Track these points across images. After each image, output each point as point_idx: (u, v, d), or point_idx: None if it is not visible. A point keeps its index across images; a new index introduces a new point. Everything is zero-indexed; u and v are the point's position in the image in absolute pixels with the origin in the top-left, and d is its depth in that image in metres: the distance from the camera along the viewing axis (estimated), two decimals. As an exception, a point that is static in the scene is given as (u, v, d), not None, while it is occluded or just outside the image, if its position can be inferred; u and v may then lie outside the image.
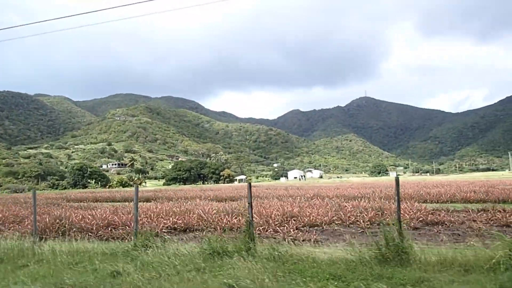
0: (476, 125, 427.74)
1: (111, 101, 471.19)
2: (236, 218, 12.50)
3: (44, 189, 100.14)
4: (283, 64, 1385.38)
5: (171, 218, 13.18)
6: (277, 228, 11.12)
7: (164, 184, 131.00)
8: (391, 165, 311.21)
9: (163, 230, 11.60)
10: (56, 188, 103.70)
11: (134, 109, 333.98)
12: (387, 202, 17.28)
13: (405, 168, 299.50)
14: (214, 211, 14.00)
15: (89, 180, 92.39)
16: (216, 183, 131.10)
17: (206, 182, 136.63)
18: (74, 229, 11.96)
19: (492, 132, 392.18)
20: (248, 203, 8.23)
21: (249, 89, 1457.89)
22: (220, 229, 11.31)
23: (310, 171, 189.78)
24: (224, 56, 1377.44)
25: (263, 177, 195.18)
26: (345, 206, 15.51)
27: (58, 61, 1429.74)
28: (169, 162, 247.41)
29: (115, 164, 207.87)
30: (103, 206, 20.62)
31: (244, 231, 7.46)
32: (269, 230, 10.95)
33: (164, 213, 14.60)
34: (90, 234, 11.57)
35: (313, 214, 13.08)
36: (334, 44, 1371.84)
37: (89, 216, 13.70)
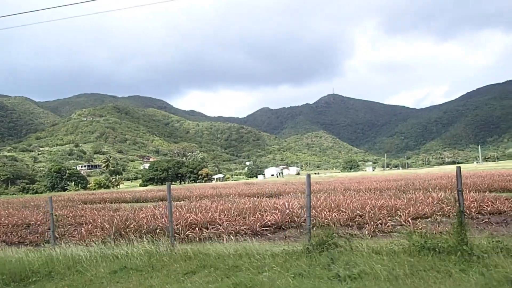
0: (439, 120, 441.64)
1: (76, 101, 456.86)
2: (335, 211, 11.40)
3: (15, 194, 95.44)
4: (250, 63, 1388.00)
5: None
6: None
7: (140, 185, 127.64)
8: (360, 160, 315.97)
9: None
10: (27, 192, 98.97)
11: (102, 109, 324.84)
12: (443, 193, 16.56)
13: (374, 163, 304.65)
14: (298, 206, 12.78)
15: (68, 183, 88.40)
16: (194, 182, 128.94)
17: (183, 182, 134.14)
18: (157, 230, 10.53)
19: (454, 127, 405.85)
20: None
21: (216, 88, 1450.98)
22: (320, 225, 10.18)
23: (287, 168, 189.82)
24: (191, 55, 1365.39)
25: (237, 175, 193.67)
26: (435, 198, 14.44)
27: (16, 60, 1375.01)
28: (141, 163, 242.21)
29: (85, 166, 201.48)
30: (133, 207, 18.97)
31: (454, 224, 6.30)
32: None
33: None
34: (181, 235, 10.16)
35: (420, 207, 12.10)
36: (300, 43, 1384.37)
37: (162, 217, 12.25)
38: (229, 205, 14.57)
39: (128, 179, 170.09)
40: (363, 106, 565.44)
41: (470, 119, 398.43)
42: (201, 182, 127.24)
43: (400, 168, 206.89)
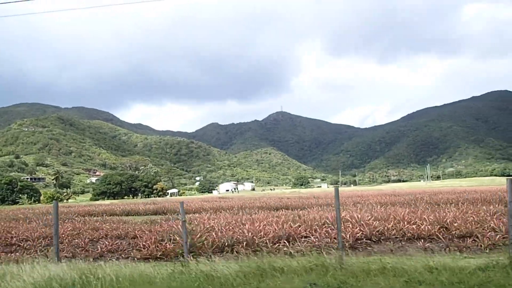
0: (383, 139, 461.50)
1: (14, 111, 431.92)
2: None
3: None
4: (197, 77, 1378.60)
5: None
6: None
7: (91, 199, 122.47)
8: (309, 177, 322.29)
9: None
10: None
11: (44, 119, 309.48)
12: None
13: (323, 180, 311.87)
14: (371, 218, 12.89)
15: (20, 195, 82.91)
16: (148, 197, 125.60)
17: (136, 197, 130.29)
18: (227, 244, 10.31)
19: (396, 146, 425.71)
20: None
21: (162, 102, 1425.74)
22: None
23: (242, 183, 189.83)
24: (136, 66, 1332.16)
25: (189, 190, 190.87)
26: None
27: None
28: (87, 176, 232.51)
29: (28, 179, 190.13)
30: (150, 219, 18.38)
31: None
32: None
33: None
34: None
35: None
36: (247, 59, 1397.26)
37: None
38: (284, 218, 14.28)
39: (74, 193, 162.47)
40: (309, 124, 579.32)
41: (411, 139, 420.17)
42: (155, 196, 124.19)
43: (352, 185, 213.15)
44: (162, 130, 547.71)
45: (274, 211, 20.54)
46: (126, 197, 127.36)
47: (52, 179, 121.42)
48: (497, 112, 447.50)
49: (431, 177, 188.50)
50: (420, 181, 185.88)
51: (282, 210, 20.35)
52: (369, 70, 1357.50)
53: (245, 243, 10.37)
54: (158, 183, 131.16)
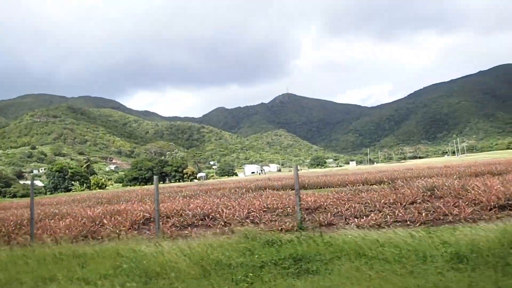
0: (391, 117, 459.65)
1: (22, 102, 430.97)
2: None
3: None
4: (195, 62, 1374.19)
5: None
6: None
7: (123, 186, 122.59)
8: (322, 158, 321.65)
9: None
10: (4, 196, 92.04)
11: (55, 109, 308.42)
12: None
13: (335, 159, 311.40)
14: None
15: (72, 183, 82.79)
16: (179, 181, 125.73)
17: (167, 181, 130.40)
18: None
19: (406, 124, 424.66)
20: None
21: (163, 88, 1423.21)
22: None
23: (268, 165, 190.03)
24: (134, 55, 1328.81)
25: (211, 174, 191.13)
26: None
27: None
28: (104, 164, 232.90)
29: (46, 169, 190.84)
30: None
31: None
32: None
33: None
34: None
35: None
36: (244, 43, 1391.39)
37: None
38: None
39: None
40: (316, 105, 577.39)
41: (420, 116, 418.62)
42: (186, 181, 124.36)
43: (374, 163, 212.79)
44: (169, 116, 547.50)
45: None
46: (159, 182, 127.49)
47: (84, 167, 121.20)
48: (505, 86, 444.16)
49: (452, 152, 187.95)
50: (444, 156, 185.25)
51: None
52: (368, 49, 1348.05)
53: None
54: (188, 167, 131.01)
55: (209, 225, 11.18)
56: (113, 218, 12.24)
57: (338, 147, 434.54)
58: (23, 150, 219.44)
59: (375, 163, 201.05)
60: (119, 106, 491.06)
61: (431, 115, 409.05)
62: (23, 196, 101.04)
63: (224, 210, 12.39)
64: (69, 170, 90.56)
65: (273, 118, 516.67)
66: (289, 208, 12.12)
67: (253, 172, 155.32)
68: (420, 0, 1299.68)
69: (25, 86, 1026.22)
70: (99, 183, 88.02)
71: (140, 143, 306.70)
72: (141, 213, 12.85)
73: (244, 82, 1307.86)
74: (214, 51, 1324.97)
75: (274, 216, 11.34)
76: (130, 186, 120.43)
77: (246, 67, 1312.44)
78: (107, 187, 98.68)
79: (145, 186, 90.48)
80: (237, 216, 11.36)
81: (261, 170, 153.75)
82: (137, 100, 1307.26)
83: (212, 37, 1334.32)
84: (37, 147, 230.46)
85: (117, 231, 10.32)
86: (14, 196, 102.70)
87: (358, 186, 19.54)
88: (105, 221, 11.94)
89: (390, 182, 20.38)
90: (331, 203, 12.31)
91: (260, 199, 14.54)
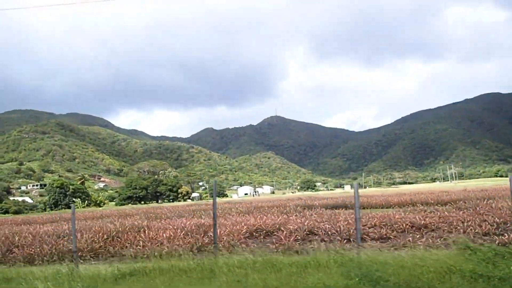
0: (379, 142, 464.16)
1: (9, 118, 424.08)
2: None
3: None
4: (183, 83, 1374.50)
5: None
6: None
7: (117, 204, 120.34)
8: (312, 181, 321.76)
9: None
10: (6, 213, 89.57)
11: (44, 125, 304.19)
12: None
13: (324, 183, 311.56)
14: None
15: (73, 199, 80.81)
16: (173, 201, 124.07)
17: (161, 201, 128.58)
18: None
19: (393, 149, 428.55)
20: None
21: (150, 108, 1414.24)
22: None
23: (261, 187, 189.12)
24: (121, 73, 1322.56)
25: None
26: None
27: None
28: (93, 182, 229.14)
29: (37, 186, 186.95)
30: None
31: None
32: None
33: None
34: None
35: None
36: (232, 65, 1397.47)
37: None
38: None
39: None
40: (304, 128, 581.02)
41: (407, 142, 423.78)
42: (180, 201, 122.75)
43: (367, 187, 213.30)
44: (157, 135, 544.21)
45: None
46: (153, 201, 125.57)
47: (79, 184, 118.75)
48: (491, 114, 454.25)
49: (435, 179, 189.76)
50: (435, 182, 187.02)
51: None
52: (354, 74, 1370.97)
53: None
54: (183, 187, 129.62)
55: (324, 240, 10.83)
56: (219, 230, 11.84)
57: (325, 170, 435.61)
58: (10, 165, 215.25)
59: (367, 187, 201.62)
60: (107, 124, 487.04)
61: (418, 141, 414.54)
62: (16, 212, 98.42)
63: (328, 225, 12.04)
64: (70, 187, 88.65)
65: (261, 140, 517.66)
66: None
67: (246, 194, 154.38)
68: (406, 28, 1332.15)
69: (11, 102, 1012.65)
70: (96, 201, 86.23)
71: (129, 161, 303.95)
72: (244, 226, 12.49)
73: (232, 103, 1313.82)
74: (202, 72, 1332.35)
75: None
76: (124, 205, 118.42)
77: (234, 88, 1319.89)
78: (104, 205, 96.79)
79: (143, 205, 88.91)
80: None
81: (255, 192, 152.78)
82: (124, 119, 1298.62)
83: (199, 58, 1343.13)
84: (24, 163, 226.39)
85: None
86: (7, 212, 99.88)
87: (420, 207, 19.30)
88: (212, 233, 11.51)
89: (451, 203, 20.18)
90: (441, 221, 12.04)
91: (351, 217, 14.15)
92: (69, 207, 78.11)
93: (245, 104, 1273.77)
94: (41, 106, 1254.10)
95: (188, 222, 14.45)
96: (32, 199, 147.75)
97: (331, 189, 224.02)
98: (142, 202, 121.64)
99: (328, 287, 5.18)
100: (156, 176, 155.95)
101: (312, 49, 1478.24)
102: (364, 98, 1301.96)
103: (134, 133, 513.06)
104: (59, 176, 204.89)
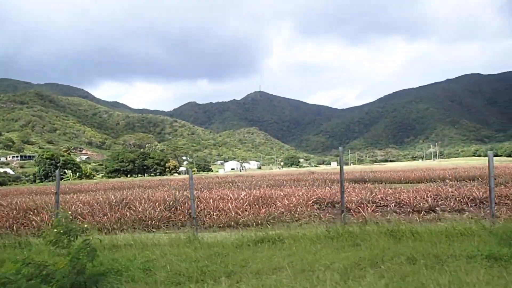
0: (361, 120, 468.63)
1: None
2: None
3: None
4: (164, 56, 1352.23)
5: None
6: None
7: (103, 177, 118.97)
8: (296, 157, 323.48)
9: None
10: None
11: (22, 95, 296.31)
12: None
13: (307, 160, 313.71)
14: None
15: (65, 171, 79.17)
16: (161, 175, 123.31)
17: (147, 174, 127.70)
18: None
19: (375, 127, 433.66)
20: None
21: (131, 80, 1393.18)
22: None
23: (248, 162, 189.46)
24: (101, 44, 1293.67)
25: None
26: None
27: None
28: (74, 155, 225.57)
29: (17, 157, 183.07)
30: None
31: None
32: None
33: None
34: None
35: None
36: (214, 39, 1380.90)
37: None
38: None
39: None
40: (288, 104, 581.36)
41: (389, 120, 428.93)
42: (168, 175, 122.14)
43: (352, 164, 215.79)
44: (139, 108, 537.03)
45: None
46: (139, 175, 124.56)
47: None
48: (470, 94, 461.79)
49: (415, 157, 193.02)
50: (419, 160, 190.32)
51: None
52: (339, 52, 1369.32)
53: None
54: (170, 160, 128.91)
55: (396, 211, 10.93)
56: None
57: (308, 147, 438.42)
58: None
59: (351, 164, 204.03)
60: (87, 95, 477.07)
61: (399, 120, 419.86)
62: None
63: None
64: (61, 158, 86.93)
65: (245, 115, 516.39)
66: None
67: (232, 169, 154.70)
68: (391, 7, 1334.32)
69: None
70: (86, 173, 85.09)
71: (111, 134, 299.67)
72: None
73: (215, 78, 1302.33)
74: (184, 44, 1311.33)
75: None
76: (112, 177, 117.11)
77: (217, 62, 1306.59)
78: (94, 178, 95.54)
79: (136, 178, 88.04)
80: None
81: (242, 167, 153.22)
82: (105, 90, 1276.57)
83: (181, 30, 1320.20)
84: (3, 133, 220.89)
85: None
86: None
87: (449, 182, 19.56)
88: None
89: (475, 179, 20.53)
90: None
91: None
92: (60, 179, 76.77)
93: (228, 79, 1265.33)
94: (17, 75, 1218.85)
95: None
96: (13, 171, 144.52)
97: (314, 166, 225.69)
98: (129, 176, 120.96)
99: (491, 254, 5.17)
100: (142, 150, 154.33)
101: (297, 27, 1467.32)
102: (348, 76, 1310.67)
103: (115, 105, 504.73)
104: (40, 148, 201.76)
